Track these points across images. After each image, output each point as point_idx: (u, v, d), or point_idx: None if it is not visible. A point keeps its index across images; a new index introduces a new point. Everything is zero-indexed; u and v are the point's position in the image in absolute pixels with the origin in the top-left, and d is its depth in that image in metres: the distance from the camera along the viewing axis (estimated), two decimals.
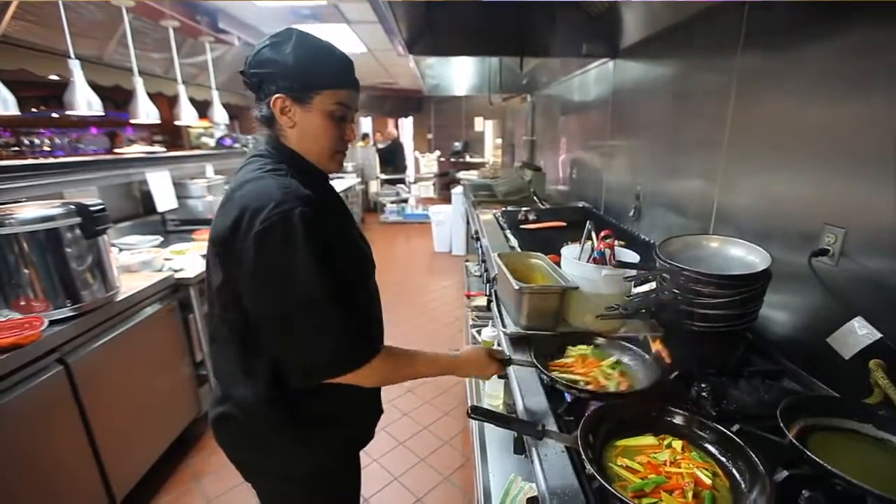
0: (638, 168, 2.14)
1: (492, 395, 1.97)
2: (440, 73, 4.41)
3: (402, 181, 8.65)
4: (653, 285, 1.17)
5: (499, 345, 1.36)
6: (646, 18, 1.93)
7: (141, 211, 3.07)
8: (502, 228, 2.43)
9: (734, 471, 0.72)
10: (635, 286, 1.22)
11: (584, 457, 0.71)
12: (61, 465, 1.56)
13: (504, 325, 1.33)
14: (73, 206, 1.65)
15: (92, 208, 1.69)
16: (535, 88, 4.48)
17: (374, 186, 8.77)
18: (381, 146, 8.68)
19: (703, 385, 0.95)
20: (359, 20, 4.05)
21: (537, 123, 4.69)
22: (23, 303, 1.59)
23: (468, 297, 3.11)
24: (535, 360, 1.04)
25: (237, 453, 1.01)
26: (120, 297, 1.85)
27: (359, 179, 7.90)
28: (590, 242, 1.36)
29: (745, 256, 1.10)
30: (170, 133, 4.87)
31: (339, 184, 5.88)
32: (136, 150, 3.57)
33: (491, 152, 9.35)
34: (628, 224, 2.16)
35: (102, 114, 2.43)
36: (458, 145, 9.80)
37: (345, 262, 0.89)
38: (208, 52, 3.68)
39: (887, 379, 0.87)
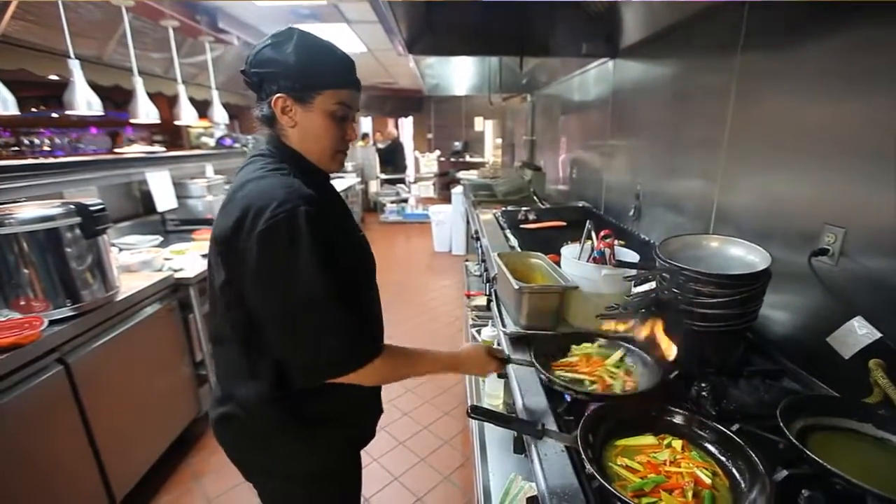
0: (638, 168, 2.14)
1: (492, 394, 1.97)
2: (440, 73, 4.41)
3: (402, 181, 8.65)
4: (653, 285, 1.17)
5: (499, 344, 1.36)
6: (646, 18, 1.93)
7: (141, 211, 3.07)
8: (502, 228, 2.43)
9: (734, 470, 0.72)
10: (635, 286, 1.22)
11: (583, 456, 0.71)
12: (61, 465, 1.57)
13: (504, 325, 1.33)
14: (72, 206, 1.65)
15: (92, 208, 1.69)
16: (535, 88, 4.47)
17: (373, 186, 8.77)
18: (380, 146, 8.67)
19: (702, 384, 0.95)
20: (358, 20, 4.05)
21: (537, 123, 4.69)
22: (23, 303, 1.59)
23: (468, 296, 3.12)
24: (534, 360, 1.04)
25: (239, 453, 1.01)
26: (120, 297, 1.85)
27: (359, 179, 7.90)
28: (590, 242, 1.36)
29: (745, 256, 1.10)
30: (170, 133, 4.86)
31: (338, 183, 5.89)
32: (136, 149, 3.57)
33: (491, 152, 9.35)
34: (628, 224, 2.16)
35: (102, 114, 2.43)
36: (458, 145, 9.80)
37: (347, 262, 0.90)
38: (208, 51, 3.68)
39: (887, 378, 0.87)
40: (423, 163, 9.15)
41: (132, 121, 2.95)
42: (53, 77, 2.63)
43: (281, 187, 0.82)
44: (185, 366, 2.28)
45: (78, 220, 1.65)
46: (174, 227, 3.17)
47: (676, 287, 1.04)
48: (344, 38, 4.52)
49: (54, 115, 4.26)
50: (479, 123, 9.74)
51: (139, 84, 2.79)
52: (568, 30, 2.29)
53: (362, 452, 1.13)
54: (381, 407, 1.14)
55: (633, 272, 1.19)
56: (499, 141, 8.33)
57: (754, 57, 1.29)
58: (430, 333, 3.72)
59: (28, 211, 1.57)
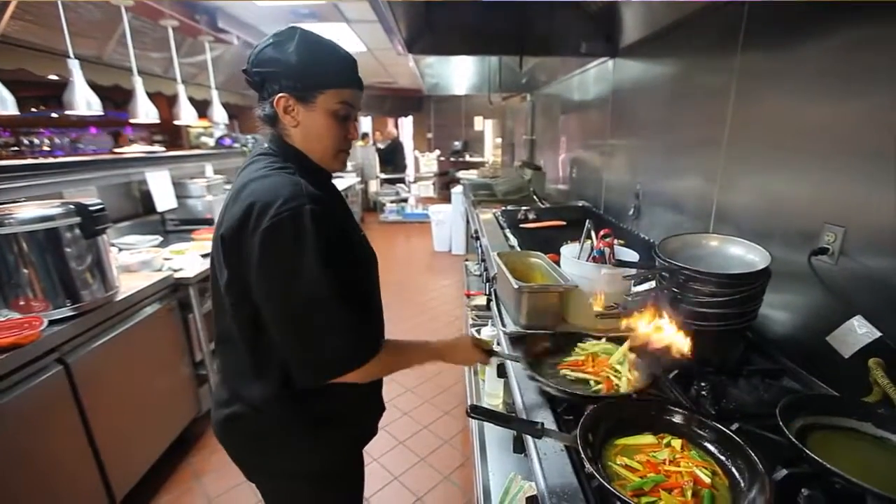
0: (637, 167, 2.14)
1: (491, 394, 1.97)
2: (440, 73, 4.41)
3: (401, 180, 8.65)
4: (652, 284, 1.17)
5: (498, 344, 1.36)
6: (645, 17, 1.93)
7: (140, 211, 3.07)
8: (502, 228, 2.43)
9: (733, 469, 0.72)
10: (635, 285, 1.22)
11: (583, 456, 0.71)
12: (61, 465, 1.56)
13: (504, 325, 1.33)
14: (72, 206, 1.65)
15: (91, 208, 1.69)
16: (535, 87, 4.47)
17: (373, 186, 8.76)
18: (380, 146, 8.67)
19: (702, 384, 0.95)
20: (358, 19, 4.05)
21: (537, 123, 4.69)
22: (22, 303, 1.59)
23: (468, 296, 3.12)
24: (523, 356, 1.05)
25: (244, 454, 1.00)
26: (119, 297, 1.85)
27: (358, 179, 7.90)
28: (589, 241, 1.36)
29: (745, 255, 1.10)
30: (169, 133, 4.87)
31: (338, 183, 5.88)
32: (136, 149, 3.57)
33: (491, 151, 9.34)
34: (628, 223, 2.16)
35: (102, 113, 2.43)
36: (457, 144, 9.80)
37: (350, 261, 0.90)
38: (207, 51, 3.68)
39: (886, 378, 0.87)
40: (423, 162, 9.14)
41: (132, 121, 2.95)
42: (53, 77, 2.63)
43: (286, 185, 0.82)
44: (185, 365, 2.28)
45: (77, 220, 1.65)
46: (174, 227, 3.17)
47: (676, 286, 1.04)
48: (343, 37, 4.53)
49: (54, 115, 4.26)
50: (479, 123, 9.74)
51: (139, 84, 2.79)
52: (567, 29, 2.29)
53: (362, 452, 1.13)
54: (384, 405, 1.14)
55: (633, 271, 1.19)
56: (498, 140, 8.33)
57: (754, 56, 1.29)
58: (430, 333, 3.72)
59: (28, 211, 1.57)
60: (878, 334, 0.92)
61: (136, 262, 2.19)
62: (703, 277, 1.00)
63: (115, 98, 3.37)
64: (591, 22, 2.23)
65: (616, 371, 1.02)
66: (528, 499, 1.08)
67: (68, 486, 1.60)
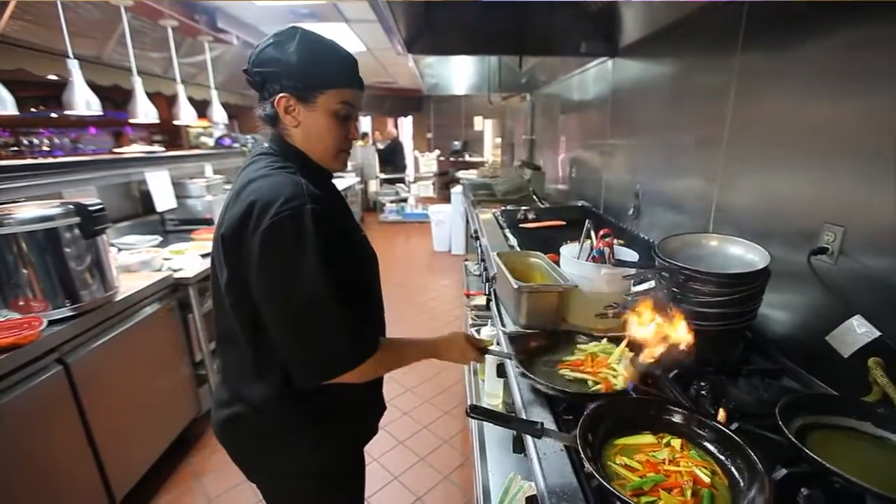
0: (637, 167, 2.14)
1: (491, 394, 1.97)
2: (439, 73, 4.41)
3: (401, 180, 8.65)
4: (652, 284, 1.17)
5: (498, 344, 1.36)
6: (645, 17, 1.93)
7: (140, 211, 3.07)
8: (502, 227, 2.43)
9: (733, 469, 0.72)
10: (634, 285, 1.22)
11: (582, 455, 0.71)
12: (61, 465, 1.56)
13: (503, 325, 1.33)
14: (71, 206, 1.65)
15: (91, 208, 1.69)
16: (535, 87, 4.47)
17: (373, 186, 8.76)
18: (380, 146, 8.67)
19: (702, 383, 0.95)
20: (358, 19, 4.05)
21: (537, 122, 4.69)
22: (22, 303, 1.59)
23: (467, 296, 3.12)
24: (513, 354, 1.06)
25: (245, 454, 1.00)
26: (119, 297, 1.85)
27: (358, 179, 7.89)
28: (589, 241, 1.36)
29: (745, 255, 1.10)
30: (169, 133, 4.87)
31: (338, 183, 5.86)
32: (135, 149, 3.57)
33: (490, 151, 9.34)
34: (627, 223, 2.16)
35: (101, 113, 2.43)
36: (457, 144, 9.80)
37: (351, 261, 0.90)
38: (207, 51, 3.68)
39: (886, 377, 0.87)
40: (423, 162, 9.14)
41: (131, 120, 2.95)
42: (52, 77, 2.63)
43: (287, 185, 0.82)
44: (185, 365, 2.28)
45: (77, 220, 1.65)
46: (173, 227, 3.17)
47: (676, 286, 1.04)
48: (343, 37, 4.52)
49: (53, 115, 4.26)
50: (479, 123, 9.73)
51: (138, 84, 2.79)
52: (567, 29, 2.29)
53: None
54: (384, 404, 1.14)
55: (633, 271, 1.19)
56: (498, 140, 8.33)
57: (754, 56, 1.29)
58: (430, 333, 3.67)
59: (27, 211, 1.57)
60: (878, 334, 0.92)
61: (136, 262, 2.19)
62: (702, 277, 1.00)
63: (115, 98, 3.37)
64: (590, 22, 2.23)
65: (614, 371, 1.02)
66: (527, 499, 1.08)
67: (68, 486, 1.60)
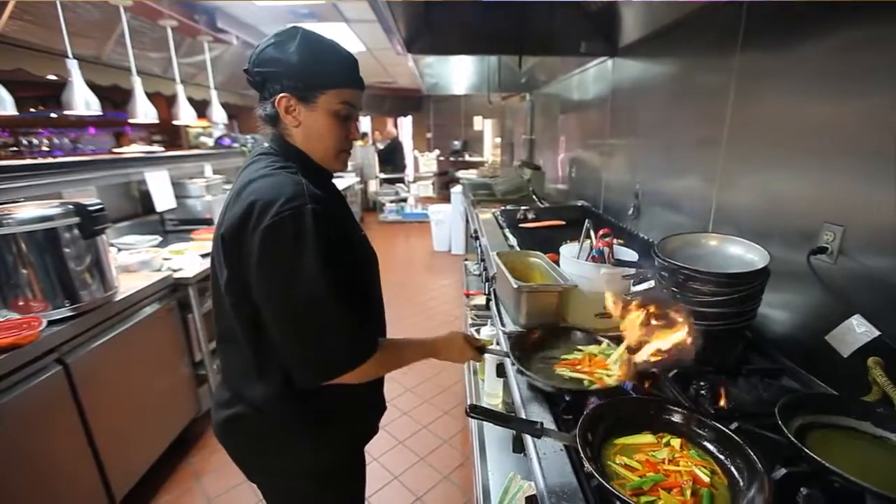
0: (637, 167, 2.14)
1: (491, 393, 1.97)
2: (439, 72, 4.40)
3: (401, 180, 8.65)
4: (652, 284, 1.17)
5: (498, 343, 1.36)
6: (645, 17, 1.93)
7: (140, 211, 3.07)
8: (501, 227, 2.43)
9: (732, 469, 0.72)
10: (634, 285, 1.22)
11: (582, 455, 0.71)
12: (60, 465, 1.56)
13: (503, 324, 1.33)
14: (71, 206, 1.65)
15: (90, 208, 1.69)
16: (534, 87, 4.47)
17: (373, 186, 8.76)
18: (380, 145, 8.67)
19: (701, 383, 0.95)
20: (357, 19, 4.05)
21: (536, 122, 4.69)
22: (21, 303, 1.58)
23: (467, 295, 3.12)
24: (510, 352, 1.06)
25: (247, 454, 1.00)
26: (119, 297, 1.85)
27: (358, 178, 7.89)
28: (588, 241, 1.36)
29: (744, 254, 1.10)
30: (168, 133, 4.87)
31: (338, 183, 5.86)
32: (135, 149, 3.57)
33: (490, 151, 9.33)
34: (627, 223, 2.16)
35: (100, 113, 2.43)
36: (457, 144, 9.80)
37: (351, 262, 0.89)
38: (206, 51, 3.68)
39: (885, 377, 0.87)
40: (423, 162, 9.14)
41: (131, 120, 2.95)
42: (52, 77, 2.63)
43: (288, 185, 0.82)
44: (185, 365, 2.28)
45: (76, 220, 1.65)
46: (173, 227, 3.17)
47: (675, 286, 1.05)
48: (343, 37, 4.52)
49: (53, 115, 4.26)
50: (479, 122, 9.73)
51: (138, 84, 2.79)
52: (567, 29, 2.29)
53: None
54: (385, 403, 1.14)
55: (632, 271, 1.19)
56: (498, 140, 8.33)
57: (753, 56, 1.29)
58: (429, 332, 3.66)
59: (26, 211, 1.57)
60: (877, 333, 0.92)
61: (136, 263, 2.19)
62: (702, 277, 1.00)
63: (114, 98, 3.37)
64: (590, 21, 2.23)
65: (609, 372, 1.02)
66: (527, 498, 1.08)
67: (68, 487, 1.60)
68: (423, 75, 4.35)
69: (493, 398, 1.96)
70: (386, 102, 9.47)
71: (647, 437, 0.81)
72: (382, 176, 8.45)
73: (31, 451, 1.46)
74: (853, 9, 0.97)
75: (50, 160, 2.58)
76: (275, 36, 0.87)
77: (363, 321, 0.89)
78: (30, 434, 1.45)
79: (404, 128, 10.35)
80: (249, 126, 5.48)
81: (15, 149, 3.83)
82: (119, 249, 2.44)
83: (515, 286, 1.22)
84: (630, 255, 1.37)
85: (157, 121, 2.95)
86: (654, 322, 0.95)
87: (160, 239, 2.76)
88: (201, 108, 3.78)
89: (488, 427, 1.90)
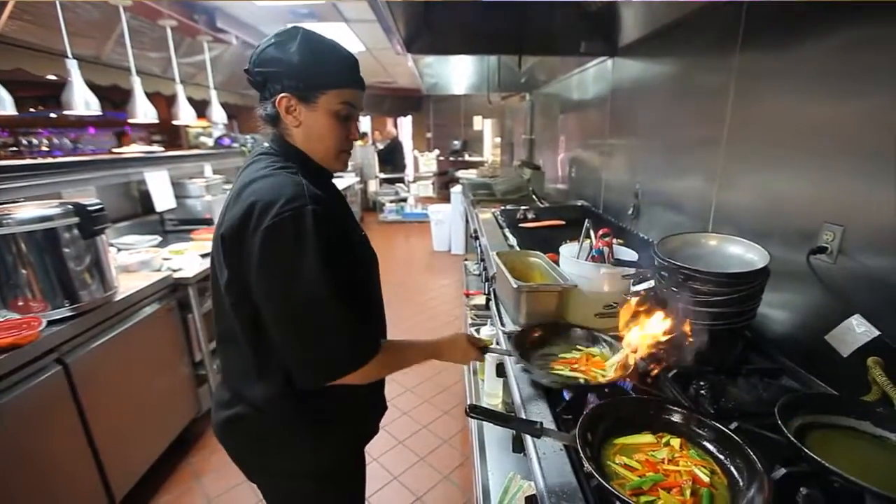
0: (637, 166, 2.14)
1: (490, 393, 1.97)
2: (439, 72, 4.40)
3: (401, 180, 8.65)
4: (651, 283, 1.17)
5: (497, 343, 1.36)
6: (644, 17, 1.93)
7: (139, 211, 3.07)
8: (501, 227, 2.43)
9: (732, 468, 0.72)
10: (634, 284, 1.22)
11: (582, 455, 0.71)
12: (60, 465, 1.56)
13: (503, 324, 1.33)
14: (70, 206, 1.64)
15: (90, 208, 1.69)
16: (534, 87, 4.47)
17: (372, 185, 8.76)
18: (380, 145, 8.67)
19: (701, 383, 0.95)
20: (357, 19, 4.04)
21: (536, 122, 4.69)
22: (21, 303, 1.58)
23: (467, 295, 3.12)
24: (512, 350, 1.06)
25: (247, 455, 1.00)
26: (118, 297, 1.85)
27: (358, 178, 7.89)
28: (588, 241, 1.36)
29: (744, 254, 1.10)
30: (168, 133, 4.87)
31: (338, 183, 5.85)
32: (135, 149, 3.57)
33: (490, 151, 9.33)
34: (627, 222, 2.16)
35: (100, 113, 2.43)
36: (456, 144, 9.79)
37: (351, 262, 0.89)
38: (206, 51, 3.67)
39: (885, 376, 0.87)
40: (422, 162, 9.14)
41: (130, 120, 2.95)
42: (51, 77, 2.63)
43: (288, 185, 0.82)
44: (185, 365, 2.28)
45: (76, 220, 1.65)
46: (173, 227, 3.17)
47: (675, 286, 1.04)
48: (342, 37, 4.52)
49: (52, 115, 4.26)
50: (478, 122, 9.73)
51: (137, 84, 2.79)
52: (567, 28, 2.29)
53: None
54: (386, 403, 1.14)
55: (632, 271, 1.19)
56: (498, 140, 8.33)
57: (753, 56, 1.29)
58: (429, 332, 3.72)
59: (26, 211, 1.57)
60: (877, 333, 0.92)
61: (135, 263, 2.19)
62: (701, 276, 1.00)
63: (114, 98, 3.37)
64: (590, 21, 2.23)
65: (604, 371, 1.03)
66: (527, 498, 1.08)
67: (67, 487, 1.60)
68: (423, 75, 4.35)
69: (492, 398, 1.96)
70: (386, 102, 9.47)
71: (646, 437, 0.81)
72: (382, 176, 8.45)
73: (31, 451, 1.45)
74: (853, 9, 0.97)
75: (49, 160, 2.58)
76: (276, 36, 0.87)
77: (363, 322, 0.89)
78: (29, 434, 1.45)
79: (404, 128, 10.35)
80: (249, 126, 5.47)
81: (14, 149, 3.83)
82: (119, 249, 2.44)
83: (515, 286, 1.22)
84: (630, 254, 1.37)
85: (156, 121, 2.95)
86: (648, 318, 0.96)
87: (160, 239, 2.76)
88: (201, 107, 3.78)
89: (488, 427, 1.90)
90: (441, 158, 9.54)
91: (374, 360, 0.88)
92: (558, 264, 1.37)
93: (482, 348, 1.09)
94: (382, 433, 2.43)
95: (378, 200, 8.27)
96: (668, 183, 1.84)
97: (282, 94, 0.87)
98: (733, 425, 0.82)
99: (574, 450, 0.77)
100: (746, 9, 1.30)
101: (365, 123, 10.04)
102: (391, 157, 8.51)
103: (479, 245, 2.40)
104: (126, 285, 1.94)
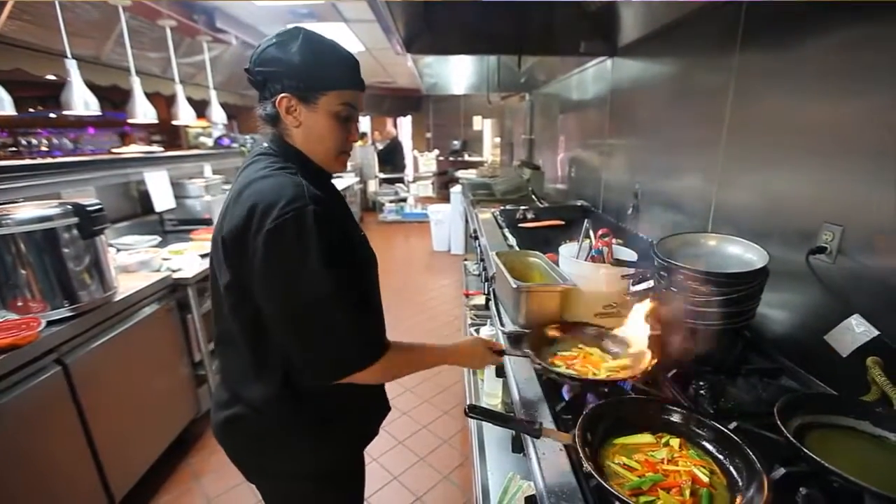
0: (636, 166, 2.14)
1: (490, 393, 1.97)
2: (438, 72, 4.40)
3: (400, 180, 8.65)
4: (651, 283, 1.17)
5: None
6: (644, 17, 1.93)
7: (139, 211, 3.06)
8: (501, 227, 2.43)
9: (731, 468, 0.72)
10: (633, 284, 1.22)
11: (581, 455, 0.71)
12: (60, 466, 1.56)
13: (502, 324, 1.33)
14: (70, 207, 1.64)
15: (89, 208, 1.69)
16: (534, 87, 4.47)
17: (372, 186, 8.76)
18: (379, 145, 8.67)
19: (700, 383, 0.95)
20: (356, 19, 4.04)
21: (536, 122, 4.69)
22: (20, 303, 1.58)
23: (467, 295, 3.12)
24: (527, 351, 1.06)
25: (245, 455, 1.00)
26: (118, 298, 1.85)
27: (357, 178, 7.89)
28: (588, 241, 1.36)
29: (743, 254, 1.10)
30: (167, 133, 4.87)
31: (337, 183, 5.86)
32: (134, 149, 3.57)
33: (489, 151, 9.33)
34: (626, 222, 2.16)
35: (100, 114, 2.43)
36: (456, 144, 9.79)
37: (352, 262, 0.89)
38: (206, 51, 3.67)
39: (884, 376, 0.87)
40: (422, 162, 9.14)
41: (130, 121, 2.95)
42: (51, 77, 2.62)
43: (289, 186, 0.82)
44: (184, 366, 2.28)
45: (75, 220, 1.65)
46: (172, 228, 3.17)
47: (674, 285, 1.04)
48: (342, 37, 4.52)
49: (52, 115, 4.26)
50: (478, 122, 9.73)
51: (137, 84, 2.79)
52: (566, 28, 2.29)
53: None
54: (388, 405, 1.14)
55: (631, 271, 1.19)
56: (497, 140, 8.33)
57: (752, 55, 1.29)
58: (429, 332, 3.72)
59: (25, 211, 1.57)
60: (876, 333, 0.92)
61: (135, 263, 2.18)
62: (701, 277, 1.00)
63: (114, 98, 3.37)
64: (590, 21, 2.23)
65: (598, 371, 1.03)
66: (526, 498, 1.08)
67: (67, 487, 1.59)
68: (423, 75, 4.35)
69: (492, 398, 1.96)
70: (385, 102, 9.47)
71: (646, 437, 0.81)
72: (382, 176, 8.44)
73: (31, 451, 1.45)
74: (853, 8, 0.97)
75: (49, 160, 2.58)
76: (276, 36, 0.87)
77: (366, 321, 0.89)
78: (29, 434, 1.45)
79: (404, 128, 10.35)
80: (249, 126, 5.48)
81: (14, 149, 3.83)
82: (118, 250, 2.44)
83: (515, 286, 1.22)
84: (629, 254, 1.37)
85: (156, 121, 2.95)
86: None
87: (159, 239, 2.76)
88: (200, 108, 3.78)
89: (488, 427, 1.90)
90: (441, 158, 9.53)
91: (383, 359, 0.88)
92: (558, 264, 1.37)
93: (499, 352, 1.09)
94: (382, 433, 2.41)
95: (378, 200, 8.27)
96: (667, 183, 1.84)
97: (282, 94, 0.87)
98: (733, 425, 0.82)
99: (573, 450, 0.76)
100: (746, 9, 1.30)
101: (364, 123, 10.03)
102: (391, 158, 8.51)
103: (479, 245, 2.40)
104: (125, 285, 1.94)
